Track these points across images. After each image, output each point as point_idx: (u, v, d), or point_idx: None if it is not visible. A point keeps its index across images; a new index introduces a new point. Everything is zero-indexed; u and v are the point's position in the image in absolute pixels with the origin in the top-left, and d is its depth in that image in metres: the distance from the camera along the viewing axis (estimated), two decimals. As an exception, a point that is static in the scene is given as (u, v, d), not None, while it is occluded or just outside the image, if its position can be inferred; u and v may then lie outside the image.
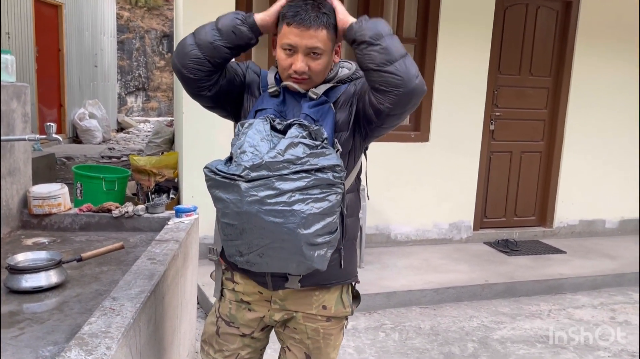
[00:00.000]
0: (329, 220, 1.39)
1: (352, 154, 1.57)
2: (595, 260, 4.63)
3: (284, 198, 1.34)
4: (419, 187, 4.66)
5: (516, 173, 5.11)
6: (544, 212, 5.23)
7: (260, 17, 1.56)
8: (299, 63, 1.48)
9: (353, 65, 1.64)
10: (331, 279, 1.59)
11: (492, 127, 4.91)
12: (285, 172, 1.34)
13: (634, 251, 4.92)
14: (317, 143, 1.39)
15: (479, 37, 4.63)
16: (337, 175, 1.39)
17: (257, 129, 1.42)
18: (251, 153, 1.37)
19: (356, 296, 1.70)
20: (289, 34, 1.48)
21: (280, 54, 1.52)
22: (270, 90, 1.56)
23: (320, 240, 1.39)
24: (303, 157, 1.35)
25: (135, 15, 15.16)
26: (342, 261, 1.58)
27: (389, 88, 1.40)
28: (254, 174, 1.34)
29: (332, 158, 1.38)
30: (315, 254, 1.40)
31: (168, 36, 15.11)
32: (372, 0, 4.34)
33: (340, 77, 1.59)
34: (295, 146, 1.36)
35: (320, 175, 1.36)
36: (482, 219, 5.04)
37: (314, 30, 1.45)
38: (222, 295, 1.70)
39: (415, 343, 3.25)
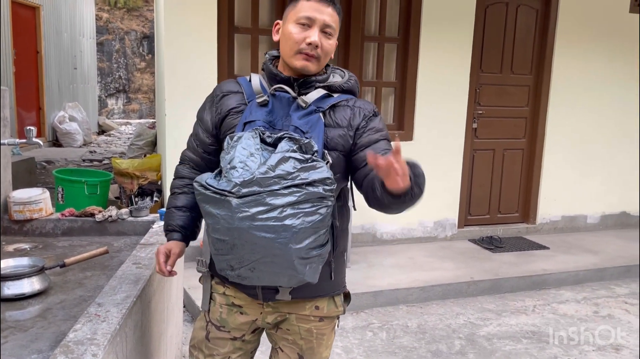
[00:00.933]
0: (320, 233, 1.39)
1: (345, 174, 1.57)
2: (577, 255, 4.69)
3: (275, 214, 1.33)
4: (404, 186, 4.67)
5: (499, 170, 5.16)
6: (527, 209, 5.29)
7: (166, 246, 1.63)
8: (316, 35, 1.49)
9: (345, 74, 1.64)
10: (321, 291, 1.60)
11: (474, 125, 4.95)
12: (276, 187, 1.33)
13: (616, 245, 5.00)
14: (307, 156, 1.38)
15: (461, 36, 4.66)
16: (327, 188, 1.38)
17: (247, 143, 1.40)
18: (241, 168, 1.35)
19: (347, 295, 1.70)
20: (308, 8, 1.50)
21: (292, 28, 1.51)
22: (259, 101, 1.54)
23: (312, 253, 1.39)
24: (294, 172, 1.34)
25: (115, 17, 14.99)
26: (332, 273, 1.58)
27: (386, 209, 1.48)
28: (244, 190, 1.33)
29: (322, 171, 1.37)
30: (307, 267, 1.40)
31: (148, 37, 14.97)
32: (354, 1, 4.34)
33: (332, 83, 1.58)
34: (286, 161, 1.35)
35: (311, 189, 1.35)
36: (467, 216, 5.08)
37: (332, 9, 1.51)
38: (211, 298, 1.67)
39: (402, 342, 3.26)
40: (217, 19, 3.94)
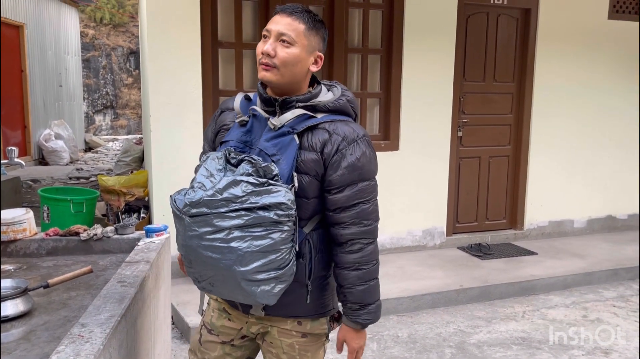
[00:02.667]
0: (272, 257, 1.38)
1: (319, 197, 1.53)
2: (565, 260, 4.73)
3: (221, 235, 1.36)
4: (391, 196, 4.69)
5: (485, 177, 5.20)
6: (514, 215, 5.33)
7: None
8: (268, 44, 1.49)
9: (339, 91, 1.58)
10: (295, 312, 1.58)
11: (460, 134, 4.99)
12: (223, 209, 1.36)
13: (602, 249, 5.04)
14: (263, 180, 1.38)
15: (443, 46, 4.71)
16: (281, 213, 1.37)
17: (210, 164, 1.44)
18: (198, 188, 1.40)
19: (337, 316, 1.68)
20: (270, 21, 1.52)
21: (259, 44, 1.54)
22: (238, 120, 1.57)
23: (262, 276, 1.39)
24: (242, 196, 1.35)
25: (101, 33, 14.98)
26: (308, 297, 1.56)
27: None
28: (193, 210, 1.38)
29: (277, 196, 1.37)
30: (258, 289, 1.40)
31: (135, 53, 14.96)
32: (337, 12, 4.38)
33: (317, 102, 1.52)
34: (237, 184, 1.36)
35: (261, 213, 1.36)
36: (455, 224, 5.10)
37: (292, 19, 1.49)
38: (208, 304, 1.74)
39: (393, 352, 3.26)
40: (201, 34, 3.96)
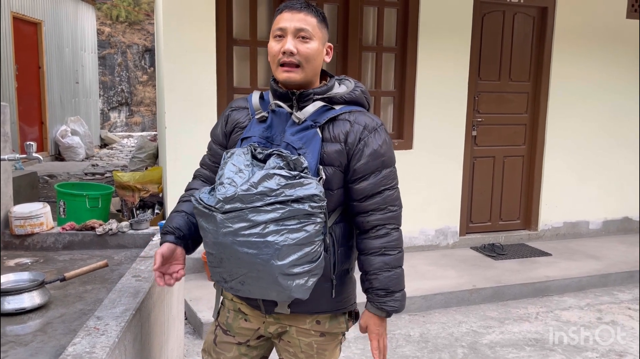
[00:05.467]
0: (307, 249, 1.38)
1: (344, 188, 1.54)
2: (580, 261, 4.68)
3: (257, 230, 1.34)
4: (404, 194, 4.62)
5: (500, 177, 5.16)
6: (528, 215, 5.28)
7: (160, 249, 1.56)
8: (288, 44, 1.48)
9: (352, 84, 1.60)
10: (321, 308, 1.58)
11: (474, 133, 4.96)
12: (258, 204, 1.34)
13: (618, 251, 4.98)
14: (295, 173, 1.38)
15: (458, 45, 4.68)
16: (315, 204, 1.37)
17: (237, 160, 1.42)
18: (228, 184, 1.37)
19: (355, 314, 1.69)
20: (280, 20, 1.50)
21: (271, 43, 1.52)
22: (257, 117, 1.55)
23: (297, 269, 1.38)
24: (277, 189, 1.34)
25: (117, 31, 15.11)
26: (334, 291, 1.56)
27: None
28: (227, 206, 1.35)
29: (309, 188, 1.36)
30: (294, 283, 1.39)
31: (150, 50, 15.08)
32: (352, 10, 4.37)
33: (333, 94, 1.54)
34: (270, 178, 1.35)
35: (296, 206, 1.35)
36: (468, 224, 5.07)
37: (303, 14, 1.49)
38: (222, 304, 1.71)
39: (405, 351, 3.25)
40: (216, 31, 3.98)
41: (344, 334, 1.68)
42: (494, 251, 4.83)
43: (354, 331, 3.44)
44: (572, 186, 5.30)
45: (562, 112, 5.14)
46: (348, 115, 1.52)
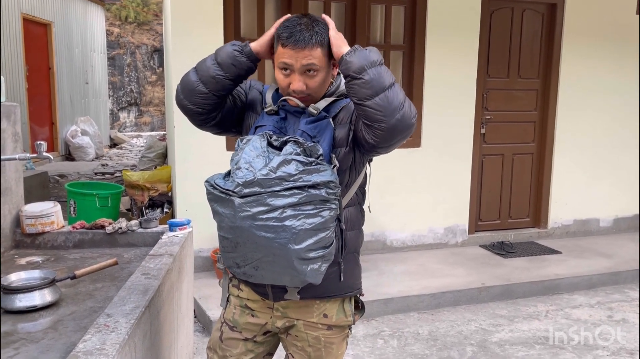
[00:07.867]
0: (322, 235, 1.40)
1: (352, 169, 1.58)
2: (590, 259, 4.64)
3: (275, 214, 1.36)
4: (413, 193, 4.67)
5: (509, 175, 5.13)
6: (538, 213, 5.25)
7: (255, 45, 1.59)
8: (297, 83, 1.51)
9: None
10: (330, 291, 1.61)
11: (483, 131, 4.94)
12: (277, 188, 1.36)
13: (629, 249, 4.94)
14: (312, 159, 1.41)
15: (467, 42, 4.66)
16: (330, 191, 1.40)
17: (254, 146, 1.45)
18: (246, 169, 1.40)
19: (360, 306, 1.71)
20: (284, 55, 1.50)
21: (278, 74, 1.55)
22: (266, 110, 1.60)
23: (312, 254, 1.40)
24: (295, 174, 1.37)
25: (126, 31, 15.19)
26: (342, 275, 1.59)
27: (372, 122, 1.42)
28: (246, 190, 1.37)
29: (326, 174, 1.40)
30: (308, 268, 1.41)
31: (159, 51, 15.14)
32: (359, 9, 4.37)
33: (342, 91, 1.60)
34: (289, 163, 1.38)
35: (313, 191, 1.38)
36: (477, 222, 5.05)
37: (308, 49, 1.48)
38: (227, 301, 1.73)
39: (414, 349, 3.25)
40: (224, 31, 3.99)
41: (350, 328, 1.70)
42: (503, 249, 4.80)
43: (363, 329, 3.46)
44: (582, 184, 5.26)
45: (571, 109, 5.11)
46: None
